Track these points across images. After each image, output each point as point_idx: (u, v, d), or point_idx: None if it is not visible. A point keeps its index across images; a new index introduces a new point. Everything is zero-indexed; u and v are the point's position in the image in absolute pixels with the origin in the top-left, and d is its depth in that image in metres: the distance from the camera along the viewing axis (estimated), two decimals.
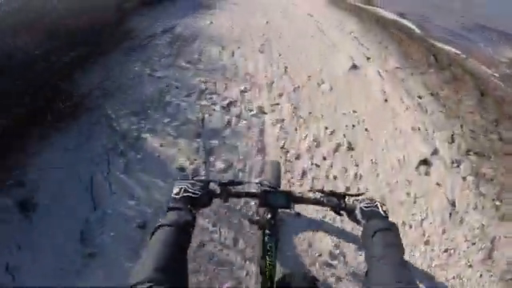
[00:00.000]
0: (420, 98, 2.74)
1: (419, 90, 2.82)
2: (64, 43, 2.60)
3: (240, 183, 0.79)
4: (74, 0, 3.33)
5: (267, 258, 0.86)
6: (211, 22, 4.09)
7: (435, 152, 2.13)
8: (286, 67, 3.09)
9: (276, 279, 0.84)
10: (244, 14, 4.51)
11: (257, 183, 0.94)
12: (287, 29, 4.06)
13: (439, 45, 3.55)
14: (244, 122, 2.31)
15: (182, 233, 0.59)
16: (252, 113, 2.41)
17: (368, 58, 3.38)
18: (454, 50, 3.42)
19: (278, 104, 2.53)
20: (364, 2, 4.98)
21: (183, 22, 4.01)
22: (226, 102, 2.47)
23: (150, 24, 3.87)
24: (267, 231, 0.89)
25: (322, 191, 0.78)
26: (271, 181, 1.21)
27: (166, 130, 2.20)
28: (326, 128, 2.30)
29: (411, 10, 4.52)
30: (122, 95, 2.48)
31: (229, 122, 2.29)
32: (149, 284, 0.43)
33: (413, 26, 4.05)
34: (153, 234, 0.58)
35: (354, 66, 3.18)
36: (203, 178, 0.94)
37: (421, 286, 1.41)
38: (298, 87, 2.77)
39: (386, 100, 2.71)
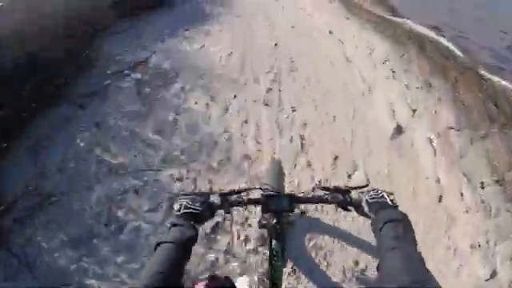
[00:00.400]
0: (483, 187, 1.86)
1: (482, 172, 1.91)
2: None
3: (241, 191, 0.80)
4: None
5: (273, 263, 0.87)
6: (203, 46, 3.08)
7: (493, 274, 1.50)
8: (302, 138, 2.14)
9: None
10: (247, 31, 3.36)
11: (259, 188, 0.87)
12: (302, 54, 2.98)
13: (492, 78, 2.60)
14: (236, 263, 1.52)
15: (183, 250, 0.61)
16: (250, 247, 1.57)
17: (414, 111, 2.40)
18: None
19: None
20: (387, 11, 3.76)
21: (166, 46, 3.03)
22: (210, 225, 1.62)
23: (121, 49, 2.92)
24: (274, 236, 0.89)
25: (325, 188, 0.78)
26: (273, 183, 1.17)
27: (121, 278, 1.46)
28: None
29: (440, 20, 3.56)
30: (56, 209, 1.69)
31: (214, 265, 1.51)
32: None
33: (453, 48, 3.03)
34: (155, 249, 0.60)
35: (398, 130, 2.23)
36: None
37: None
38: (320, 183, 1.86)
39: (440, 198, 1.83)
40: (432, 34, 3.29)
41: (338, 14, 3.73)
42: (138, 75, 2.61)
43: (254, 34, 3.36)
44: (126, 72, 2.61)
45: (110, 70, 2.64)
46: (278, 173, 1.36)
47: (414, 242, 0.57)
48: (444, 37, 3.24)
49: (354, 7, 3.84)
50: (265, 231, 1.20)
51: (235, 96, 2.47)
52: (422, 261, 0.52)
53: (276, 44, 3.15)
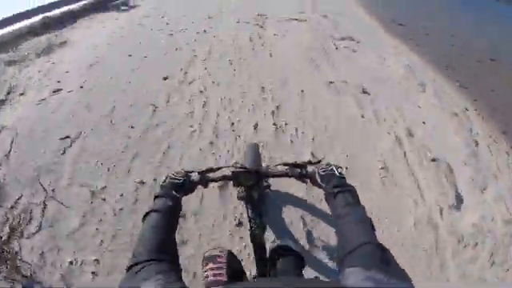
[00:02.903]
0: None
1: None
2: None
3: (217, 169, 0.88)
4: None
5: (253, 229, 0.96)
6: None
7: None
8: None
9: (268, 248, 1.03)
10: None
11: (231, 166, 0.92)
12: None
13: None
14: None
15: (169, 216, 0.66)
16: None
17: None
18: None
19: None
20: None
21: None
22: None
23: None
24: (249, 205, 0.98)
25: (286, 164, 0.87)
26: (249, 163, 1.31)
27: None
28: None
29: None
30: None
31: None
32: (149, 262, 0.49)
33: None
34: (143, 220, 0.64)
35: None
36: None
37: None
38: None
39: None
40: None
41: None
42: None
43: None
44: None
45: None
46: (254, 153, 1.52)
47: (362, 207, 0.65)
48: None
49: None
50: (242, 202, 1.35)
51: None
52: (370, 223, 0.59)
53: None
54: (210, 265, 0.91)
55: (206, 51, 3.70)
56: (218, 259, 0.93)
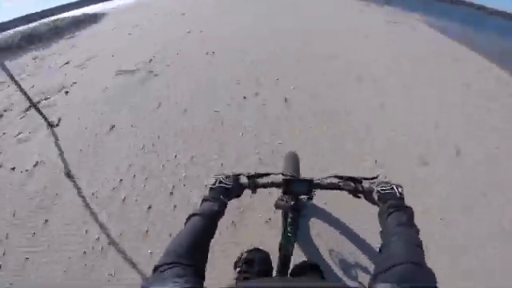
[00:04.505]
0: None
1: None
2: None
3: (265, 175, 0.87)
4: None
5: (287, 238, 0.97)
6: None
7: None
8: None
9: (292, 264, 1.02)
10: None
11: (280, 173, 0.91)
12: None
13: None
14: None
15: (211, 221, 0.66)
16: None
17: None
18: None
19: None
20: None
21: None
22: None
23: None
24: (290, 216, 0.99)
25: (340, 177, 0.83)
26: (291, 170, 1.33)
27: None
28: None
29: None
30: None
31: None
32: (175, 265, 0.50)
33: None
34: (185, 222, 0.65)
35: None
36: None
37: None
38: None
39: None
40: None
41: None
42: None
43: None
44: None
45: None
46: (294, 162, 1.52)
47: (416, 229, 0.61)
48: None
49: None
50: (279, 211, 1.30)
51: None
52: (420, 246, 0.56)
53: None
54: (244, 267, 0.92)
55: None
56: (255, 258, 0.94)
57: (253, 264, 0.95)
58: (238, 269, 0.94)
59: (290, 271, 1.03)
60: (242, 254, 0.99)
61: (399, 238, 0.57)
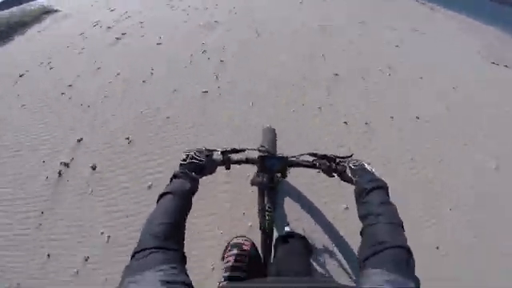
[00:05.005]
0: None
1: None
2: None
3: (241, 150, 0.82)
4: None
5: (266, 217, 0.95)
6: None
7: None
8: None
9: (275, 236, 1.01)
10: None
11: (256, 149, 0.93)
12: None
13: None
14: None
15: (184, 200, 0.62)
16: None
17: None
18: None
19: None
20: None
21: None
22: None
23: None
24: (266, 192, 0.97)
25: (314, 154, 0.82)
26: (267, 145, 1.26)
27: None
28: None
29: None
30: None
31: None
32: (155, 250, 0.47)
33: None
34: (157, 201, 0.62)
35: None
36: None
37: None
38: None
39: None
40: None
41: None
42: None
43: None
44: None
45: None
46: (272, 139, 1.48)
47: (395, 207, 0.61)
48: None
49: None
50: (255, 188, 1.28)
51: None
52: (402, 226, 0.57)
53: None
54: (234, 251, 0.91)
55: None
56: (244, 247, 0.92)
57: (243, 258, 0.92)
58: (226, 261, 0.90)
59: (273, 243, 1.03)
60: (228, 244, 0.98)
61: (384, 218, 0.57)
